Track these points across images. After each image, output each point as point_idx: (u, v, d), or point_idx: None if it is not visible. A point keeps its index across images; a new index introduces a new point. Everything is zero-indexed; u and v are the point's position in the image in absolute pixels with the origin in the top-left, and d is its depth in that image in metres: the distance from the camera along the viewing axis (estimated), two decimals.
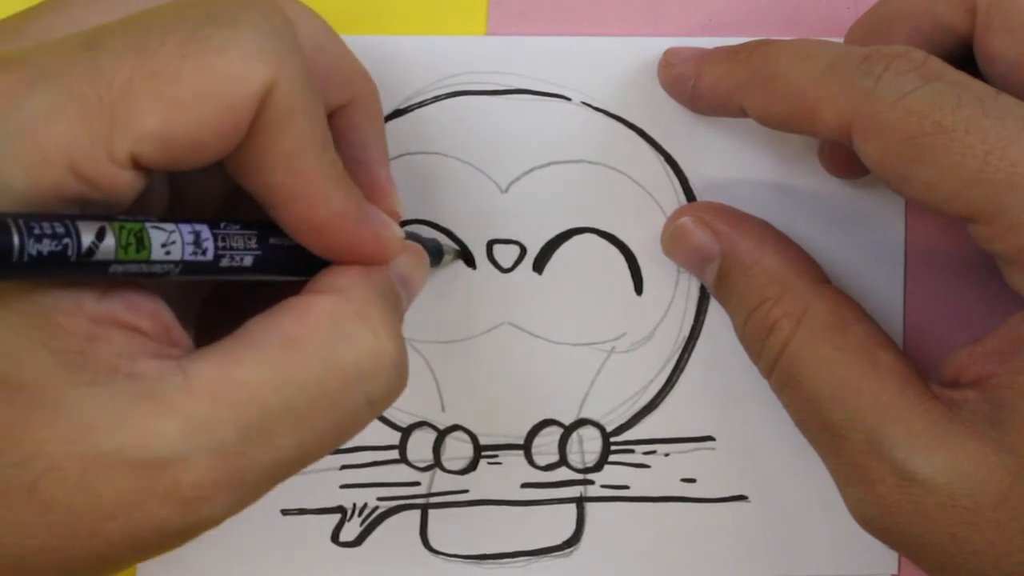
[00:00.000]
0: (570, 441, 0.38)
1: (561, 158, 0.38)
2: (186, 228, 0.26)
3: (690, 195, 0.38)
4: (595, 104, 0.38)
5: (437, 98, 0.37)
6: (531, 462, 0.38)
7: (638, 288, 0.38)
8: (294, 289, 0.28)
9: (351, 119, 0.31)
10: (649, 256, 0.38)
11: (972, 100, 0.29)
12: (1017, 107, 0.29)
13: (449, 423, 0.38)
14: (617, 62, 0.38)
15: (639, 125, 0.38)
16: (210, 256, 0.26)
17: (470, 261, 0.38)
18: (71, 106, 0.24)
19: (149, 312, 0.26)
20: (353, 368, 0.26)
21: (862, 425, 0.31)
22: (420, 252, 0.32)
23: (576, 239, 0.38)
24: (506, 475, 0.38)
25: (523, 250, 0.38)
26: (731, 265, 0.35)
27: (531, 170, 0.38)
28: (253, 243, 0.28)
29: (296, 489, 0.38)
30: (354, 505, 0.38)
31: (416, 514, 0.38)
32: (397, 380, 0.28)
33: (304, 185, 0.27)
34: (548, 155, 0.38)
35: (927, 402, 0.31)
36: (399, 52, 0.37)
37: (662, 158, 0.38)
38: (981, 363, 0.32)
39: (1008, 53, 0.32)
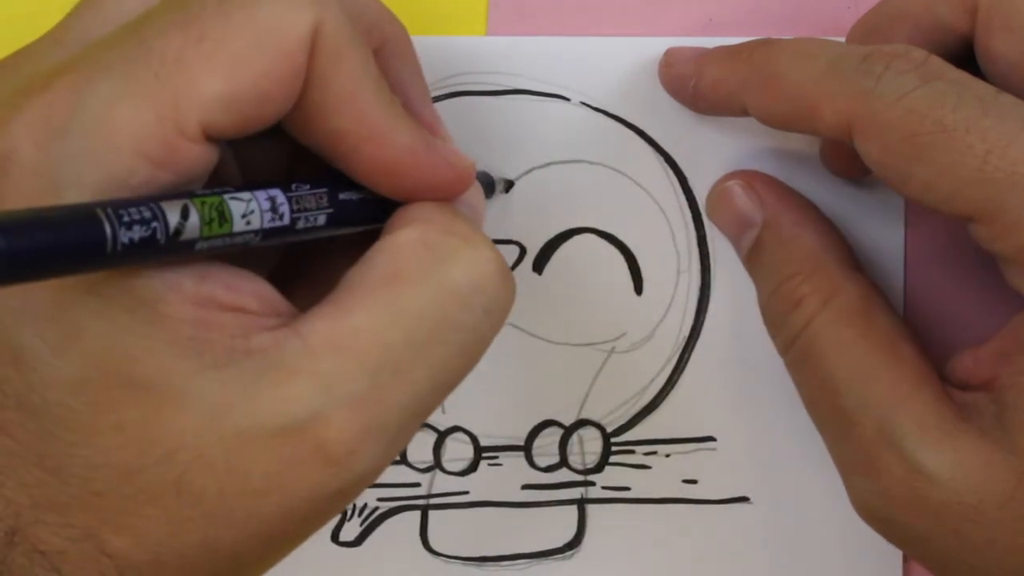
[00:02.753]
0: (570, 442, 0.38)
1: (560, 158, 0.38)
2: (262, 195, 0.26)
3: (689, 195, 0.38)
4: (594, 104, 0.38)
5: (436, 99, 0.37)
6: (531, 463, 0.38)
7: (638, 288, 0.38)
8: (372, 236, 0.28)
9: (386, 63, 0.30)
10: (649, 256, 0.38)
11: (972, 99, 0.29)
12: (1017, 107, 0.29)
13: (449, 424, 0.38)
14: (616, 62, 0.37)
15: (638, 125, 0.38)
16: (287, 220, 0.26)
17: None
18: (131, 90, 0.24)
19: (250, 291, 0.25)
20: (460, 282, 0.26)
21: (874, 413, 0.31)
22: (478, 185, 0.31)
23: (576, 239, 0.38)
24: (506, 476, 0.38)
25: (523, 250, 0.38)
26: (770, 235, 0.35)
27: (530, 170, 0.38)
28: (325, 201, 0.27)
29: None
30: (354, 505, 0.38)
31: (416, 515, 0.38)
32: (504, 282, 0.27)
33: (368, 125, 0.26)
34: (547, 155, 0.38)
35: (941, 400, 0.31)
36: None
37: (662, 158, 0.38)
38: (986, 366, 0.32)
39: (1009, 53, 0.32)
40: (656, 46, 0.37)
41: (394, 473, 0.38)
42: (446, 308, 0.26)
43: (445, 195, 0.29)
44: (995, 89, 0.30)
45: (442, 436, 0.38)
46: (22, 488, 0.24)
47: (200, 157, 0.25)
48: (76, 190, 0.23)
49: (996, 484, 0.29)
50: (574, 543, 0.39)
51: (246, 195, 0.26)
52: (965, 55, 0.33)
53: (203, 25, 0.24)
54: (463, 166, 0.29)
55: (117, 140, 0.23)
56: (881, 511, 0.32)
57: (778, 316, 0.35)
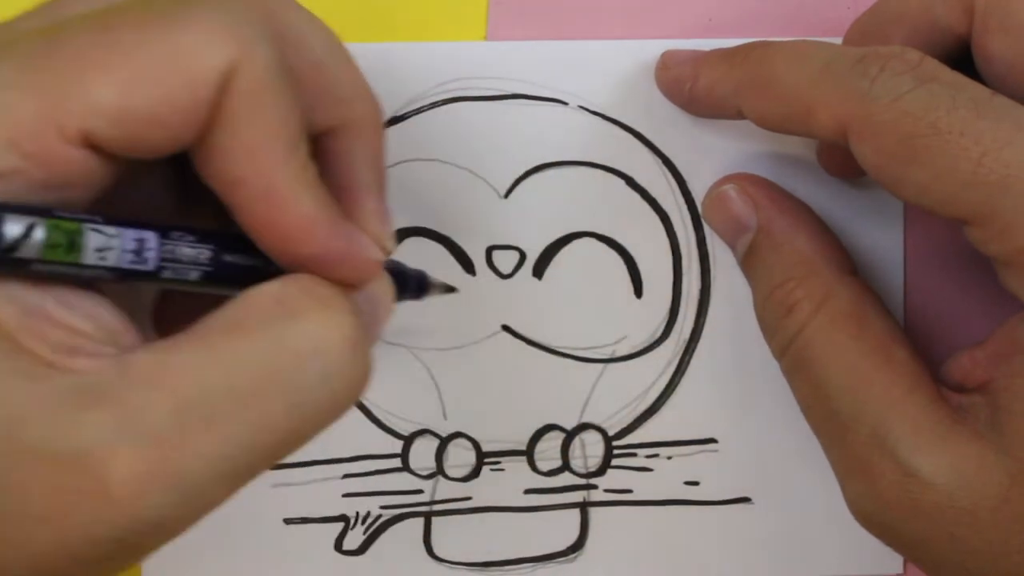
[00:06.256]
0: (572, 446, 0.38)
1: (559, 162, 0.38)
2: (131, 234, 0.25)
3: (688, 197, 0.38)
4: (592, 108, 0.38)
5: (434, 104, 0.37)
6: (534, 468, 0.38)
7: (638, 291, 0.38)
8: None
9: (344, 142, 0.29)
10: (648, 259, 0.38)
11: (967, 102, 0.29)
12: (1013, 109, 0.29)
13: (451, 430, 0.38)
14: (613, 65, 0.37)
15: (636, 128, 0.38)
16: (151, 267, 0.25)
17: (469, 267, 0.38)
18: (22, 79, 0.23)
19: (87, 313, 0.24)
20: (300, 340, 0.24)
21: (868, 417, 0.31)
22: (387, 279, 0.29)
23: (576, 243, 0.38)
24: (509, 481, 0.38)
25: (523, 256, 0.38)
26: (763, 239, 0.36)
27: (529, 175, 0.38)
28: (205, 257, 0.26)
29: (299, 498, 0.38)
30: (357, 514, 0.38)
31: (419, 522, 0.38)
32: (352, 353, 0.25)
33: (269, 182, 0.25)
34: (546, 160, 0.38)
35: (935, 402, 0.31)
36: (396, 59, 0.37)
37: (660, 161, 0.38)
38: (982, 367, 0.32)
39: (1006, 54, 0.32)
40: (654, 49, 0.37)
41: (397, 480, 0.38)
42: (278, 364, 0.24)
43: (340, 279, 0.26)
44: (990, 91, 0.29)
45: (444, 442, 0.38)
46: None
47: (80, 165, 0.23)
48: None
49: (990, 487, 0.30)
50: (577, 546, 0.39)
51: (112, 230, 0.24)
52: (962, 56, 0.33)
53: (114, 35, 0.23)
54: (365, 257, 0.27)
55: None
56: (876, 515, 0.32)
57: (772, 321, 0.35)
